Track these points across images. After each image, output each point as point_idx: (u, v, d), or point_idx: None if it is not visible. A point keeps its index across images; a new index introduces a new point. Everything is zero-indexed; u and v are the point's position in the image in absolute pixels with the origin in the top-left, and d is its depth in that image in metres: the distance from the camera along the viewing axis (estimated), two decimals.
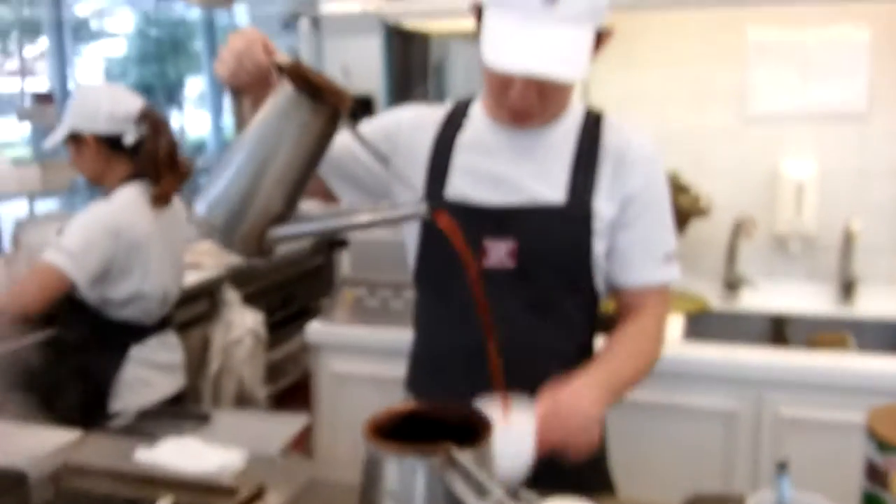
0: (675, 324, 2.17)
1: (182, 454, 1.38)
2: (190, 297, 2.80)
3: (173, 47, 10.21)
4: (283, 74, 1.05)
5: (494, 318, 1.25)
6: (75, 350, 2.14)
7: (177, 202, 2.27)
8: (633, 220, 1.30)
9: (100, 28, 9.79)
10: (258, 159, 1.04)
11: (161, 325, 2.25)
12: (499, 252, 1.28)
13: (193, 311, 2.84)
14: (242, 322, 2.82)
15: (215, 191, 1.06)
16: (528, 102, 1.23)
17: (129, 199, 2.11)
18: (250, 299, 3.00)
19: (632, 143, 1.32)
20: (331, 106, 1.04)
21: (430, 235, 1.33)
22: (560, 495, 1.09)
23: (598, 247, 1.29)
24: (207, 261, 3.17)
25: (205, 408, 2.55)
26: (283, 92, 1.04)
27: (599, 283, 1.33)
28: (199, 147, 9.86)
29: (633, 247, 1.31)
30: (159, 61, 10.09)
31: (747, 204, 2.51)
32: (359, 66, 4.51)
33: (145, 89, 9.91)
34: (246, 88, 1.15)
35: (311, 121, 1.04)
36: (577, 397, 1.14)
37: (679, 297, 2.35)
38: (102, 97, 2.12)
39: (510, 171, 1.30)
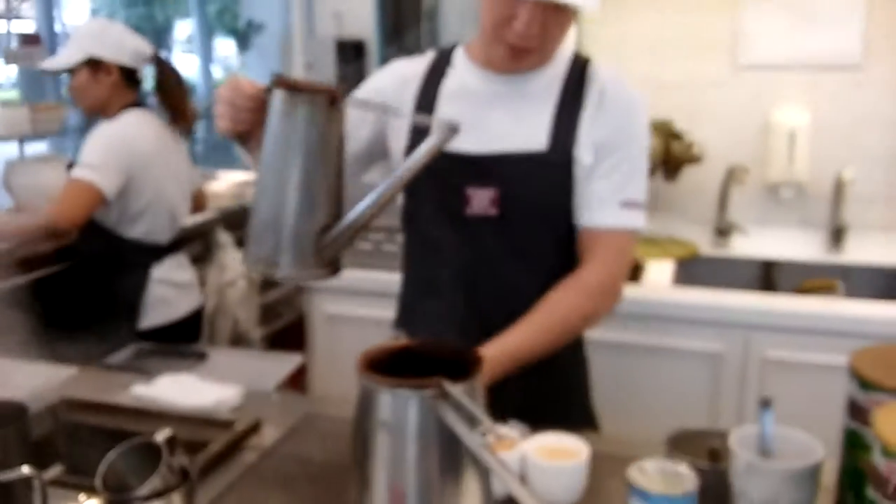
0: (664, 269, 2.20)
1: (179, 389, 1.40)
2: (184, 238, 2.81)
3: None
4: (273, 89, 1.02)
5: (477, 262, 1.28)
6: (99, 273, 2.28)
7: (180, 142, 2.45)
8: (599, 161, 1.29)
9: None
10: (278, 175, 1.01)
11: (175, 246, 2.39)
12: (481, 200, 1.29)
13: (188, 252, 2.84)
14: (235, 265, 2.83)
15: (254, 230, 1.04)
16: (530, 35, 1.22)
17: (135, 120, 2.25)
18: (244, 242, 3.00)
19: (611, 87, 1.31)
20: (326, 92, 1.00)
21: (416, 180, 1.34)
22: (547, 429, 1.12)
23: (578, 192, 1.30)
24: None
25: (200, 347, 2.58)
26: (277, 99, 1.01)
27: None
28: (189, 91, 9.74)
29: (594, 187, 1.29)
30: (146, 4, 9.90)
31: (740, 152, 2.51)
32: (351, 11, 4.45)
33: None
34: (250, 130, 1.14)
35: (313, 113, 1.00)
36: None
37: (669, 243, 2.37)
38: (126, 33, 2.27)
39: (493, 119, 1.31)
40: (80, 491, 1.08)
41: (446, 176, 1.29)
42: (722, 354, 1.95)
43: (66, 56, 2.24)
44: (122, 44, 2.24)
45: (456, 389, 0.85)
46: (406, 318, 1.47)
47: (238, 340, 2.86)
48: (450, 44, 1.42)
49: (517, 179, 1.28)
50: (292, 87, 1.01)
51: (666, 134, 2.46)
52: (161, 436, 0.96)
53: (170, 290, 2.34)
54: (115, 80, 2.24)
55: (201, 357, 1.91)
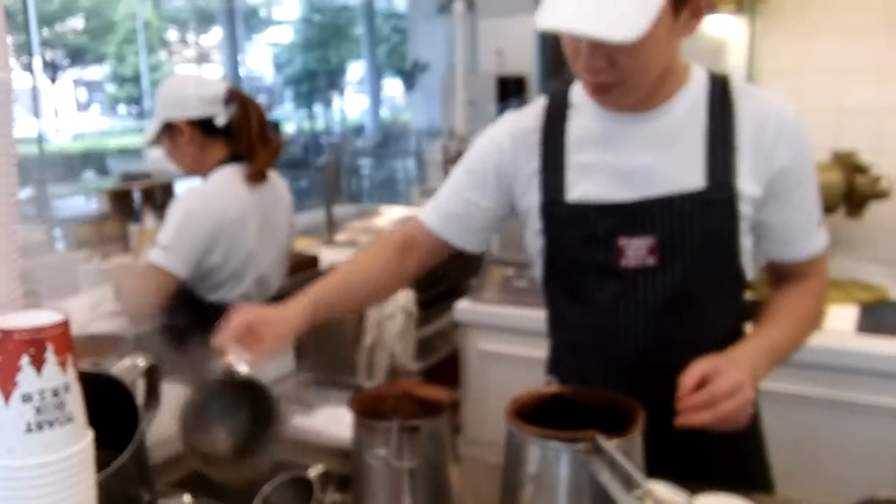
0: (847, 315, 2.01)
1: (336, 423, 1.43)
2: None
3: (335, 33, 10.59)
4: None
5: (632, 315, 1.21)
6: (180, 337, 2.03)
7: (276, 179, 2.22)
8: (788, 194, 1.20)
9: (268, 16, 10.32)
10: None
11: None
12: (638, 251, 1.20)
13: None
14: (394, 299, 2.89)
15: None
16: (597, 71, 1.11)
17: (224, 180, 2.07)
18: None
19: (770, 109, 1.19)
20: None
21: (553, 239, 1.27)
22: (710, 490, 1.04)
23: (745, 230, 1.20)
24: (363, 238, 3.28)
25: (359, 380, 2.65)
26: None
27: (746, 267, 1.24)
28: (358, 129, 10.23)
29: (793, 221, 1.22)
30: (322, 47, 10.50)
31: None
32: (512, 47, 4.50)
33: (309, 75, 10.36)
34: None
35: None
36: (730, 365, 1.07)
37: (853, 286, 2.18)
38: (188, 82, 2.10)
39: (637, 161, 1.20)
40: None
41: (591, 228, 1.21)
42: None
43: (152, 126, 2.11)
44: (185, 96, 2.05)
45: (611, 445, 0.80)
46: (558, 365, 1.41)
47: (395, 373, 2.91)
48: (560, 84, 1.31)
49: (676, 224, 1.18)
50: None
51: (849, 166, 2.27)
52: (314, 471, 0.97)
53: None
54: (191, 137, 2.06)
55: (358, 390, 1.94)
